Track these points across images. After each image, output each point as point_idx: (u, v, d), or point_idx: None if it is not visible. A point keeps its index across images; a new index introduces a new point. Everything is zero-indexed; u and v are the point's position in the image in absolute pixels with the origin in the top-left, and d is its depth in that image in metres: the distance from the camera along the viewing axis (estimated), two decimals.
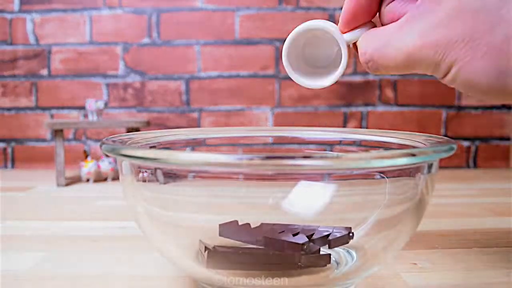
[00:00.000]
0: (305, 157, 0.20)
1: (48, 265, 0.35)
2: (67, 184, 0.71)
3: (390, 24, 0.24)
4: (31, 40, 0.88)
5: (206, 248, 0.27)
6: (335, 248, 0.29)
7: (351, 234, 0.29)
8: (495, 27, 0.20)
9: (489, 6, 0.20)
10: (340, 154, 0.21)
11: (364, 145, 0.37)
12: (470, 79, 0.22)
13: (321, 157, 0.20)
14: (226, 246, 0.28)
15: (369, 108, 0.89)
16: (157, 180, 0.26)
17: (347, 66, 0.28)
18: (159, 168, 0.26)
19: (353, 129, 0.38)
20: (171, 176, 0.26)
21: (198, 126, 0.89)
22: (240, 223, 0.30)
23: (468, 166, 0.90)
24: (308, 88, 0.30)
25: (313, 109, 0.89)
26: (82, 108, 0.88)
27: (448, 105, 0.89)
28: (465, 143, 0.90)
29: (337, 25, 0.27)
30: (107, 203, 0.58)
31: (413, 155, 0.21)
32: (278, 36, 0.87)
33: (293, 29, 0.28)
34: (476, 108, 0.89)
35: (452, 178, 0.77)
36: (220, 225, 0.30)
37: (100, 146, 0.25)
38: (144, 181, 0.26)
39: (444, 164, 0.88)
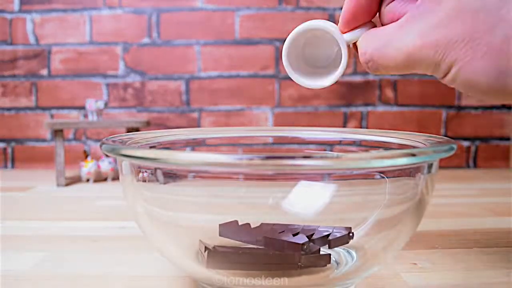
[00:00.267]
0: (305, 157, 0.20)
1: (48, 265, 0.35)
2: (67, 184, 0.71)
3: (390, 24, 0.24)
4: (31, 40, 0.88)
5: (206, 248, 0.27)
6: (335, 248, 0.29)
7: (351, 234, 0.29)
8: (495, 27, 0.20)
9: (489, 6, 0.20)
10: (340, 154, 0.21)
11: (364, 145, 0.37)
12: (470, 79, 0.22)
13: (321, 157, 0.20)
14: (226, 246, 0.28)
15: (369, 108, 0.89)
16: (157, 180, 0.26)
17: (347, 66, 0.28)
18: (159, 168, 0.26)
19: (353, 129, 0.38)
20: (171, 176, 0.26)
21: (198, 126, 0.89)
22: (240, 223, 0.30)
23: (468, 166, 0.90)
24: (308, 88, 0.30)
25: (313, 109, 0.89)
26: (82, 108, 0.88)
27: (448, 105, 0.89)
28: (465, 143, 0.90)
29: (337, 25, 0.27)
30: (107, 203, 0.58)
31: (413, 155, 0.21)
32: (278, 36, 0.87)
33: (293, 29, 0.28)
34: (476, 108, 0.89)
35: (452, 178, 0.77)
36: (220, 225, 0.30)
37: (100, 146, 0.25)
38: (144, 181, 0.26)
39: (444, 164, 0.88)
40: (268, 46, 0.88)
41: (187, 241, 0.29)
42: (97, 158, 0.80)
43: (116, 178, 0.75)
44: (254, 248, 0.29)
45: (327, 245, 0.29)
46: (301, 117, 0.89)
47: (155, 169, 0.26)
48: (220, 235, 0.30)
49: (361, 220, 0.28)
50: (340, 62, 0.27)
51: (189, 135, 0.37)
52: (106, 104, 0.74)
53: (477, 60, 0.21)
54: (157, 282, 0.31)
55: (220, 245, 0.28)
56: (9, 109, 0.89)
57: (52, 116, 0.89)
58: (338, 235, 0.29)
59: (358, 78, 0.88)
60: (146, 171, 0.26)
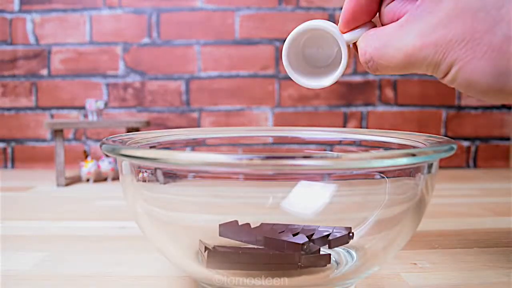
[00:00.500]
0: (305, 157, 0.20)
1: (48, 265, 0.35)
2: (67, 184, 0.71)
3: (390, 24, 0.24)
4: (31, 40, 0.88)
5: (206, 248, 0.27)
6: (335, 248, 0.29)
7: (351, 234, 0.29)
8: (495, 26, 0.20)
9: (489, 6, 0.20)
10: (340, 154, 0.21)
11: (364, 145, 0.37)
12: (470, 79, 0.22)
13: (321, 157, 0.20)
14: (226, 246, 0.28)
15: (369, 108, 0.89)
16: (157, 180, 0.26)
17: (347, 66, 0.28)
18: (159, 168, 0.26)
19: (353, 129, 0.38)
20: (171, 176, 0.26)
21: (198, 126, 0.89)
22: (240, 223, 0.30)
23: (468, 166, 0.90)
24: (308, 88, 0.30)
25: (313, 109, 0.89)
26: (82, 108, 0.88)
27: (448, 105, 0.89)
28: (465, 143, 0.90)
29: (337, 25, 0.27)
30: (107, 203, 0.58)
31: (413, 155, 0.22)
32: (278, 36, 0.87)
33: (293, 29, 0.28)
34: (476, 108, 0.89)
35: (452, 178, 0.77)
36: (220, 225, 0.30)
37: (100, 146, 0.25)
38: (144, 181, 0.26)
39: (444, 164, 0.89)
40: (268, 46, 0.88)
41: (187, 241, 0.29)
42: (97, 158, 0.80)
43: (116, 178, 0.75)
44: (254, 248, 0.29)
45: (327, 245, 0.29)
46: (301, 117, 0.89)
47: (155, 169, 0.26)
48: (220, 235, 0.30)
49: (361, 220, 0.28)
50: (340, 62, 0.27)
51: (189, 135, 0.37)
52: (106, 104, 0.74)
53: (477, 60, 0.21)
54: (157, 282, 0.31)
55: (220, 245, 0.28)
56: (9, 109, 0.89)
57: (52, 116, 0.89)
58: (338, 235, 0.29)
59: (358, 78, 0.88)
60: (146, 171, 0.26)
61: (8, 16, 0.87)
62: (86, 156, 0.74)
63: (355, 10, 0.26)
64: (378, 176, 0.25)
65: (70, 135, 0.90)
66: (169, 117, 0.89)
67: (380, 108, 0.89)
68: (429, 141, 0.28)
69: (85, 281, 0.31)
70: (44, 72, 0.88)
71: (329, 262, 0.28)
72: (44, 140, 0.90)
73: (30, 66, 0.88)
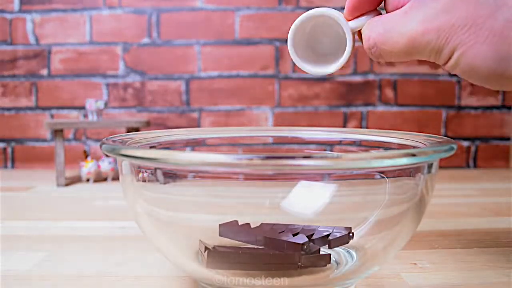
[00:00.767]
0: (305, 157, 0.20)
1: (48, 265, 0.35)
2: (67, 184, 0.71)
3: (395, 11, 0.25)
4: (31, 40, 0.88)
5: (206, 248, 0.27)
6: (335, 248, 0.29)
7: (351, 234, 0.29)
8: (497, 11, 0.20)
9: None
10: (340, 154, 0.21)
11: (364, 145, 0.37)
12: (472, 64, 0.22)
13: (321, 157, 0.20)
14: (226, 246, 0.28)
15: (369, 108, 0.89)
16: (157, 180, 0.26)
17: (351, 56, 0.28)
18: (159, 168, 0.26)
19: (353, 129, 0.38)
20: (171, 176, 0.26)
21: (198, 126, 0.89)
22: (240, 223, 0.30)
23: (468, 166, 0.90)
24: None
25: (313, 109, 0.89)
26: (82, 108, 0.88)
27: (448, 105, 0.89)
28: (465, 143, 0.90)
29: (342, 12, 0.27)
30: (107, 203, 0.58)
31: (413, 155, 0.22)
32: (278, 36, 0.87)
33: None
34: (476, 108, 0.89)
35: (452, 178, 0.77)
36: (220, 225, 0.30)
37: (100, 146, 0.25)
38: (144, 181, 0.26)
39: (444, 164, 0.88)
40: (268, 46, 0.88)
41: (187, 241, 0.29)
42: (97, 158, 0.80)
43: (116, 178, 0.75)
44: (254, 248, 0.29)
45: (327, 245, 0.29)
46: (301, 117, 0.89)
47: (155, 169, 0.26)
48: (220, 235, 0.30)
49: (361, 220, 0.28)
50: (345, 49, 0.28)
51: (189, 135, 0.37)
52: (106, 104, 0.74)
53: (479, 45, 0.21)
54: (157, 282, 0.31)
55: (220, 245, 0.28)
56: (9, 109, 0.89)
57: (52, 116, 0.89)
58: (338, 235, 0.29)
59: (358, 78, 0.88)
60: (146, 171, 0.26)
61: (8, 16, 0.87)
62: (86, 156, 0.74)
63: None
64: (378, 176, 0.25)
65: (70, 135, 0.90)
66: (169, 117, 0.89)
67: (380, 108, 0.89)
68: (429, 141, 0.28)
69: (85, 281, 0.31)
70: (44, 72, 0.88)
71: (329, 262, 0.28)
72: (44, 140, 0.90)
73: (30, 66, 0.88)
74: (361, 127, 0.89)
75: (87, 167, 0.72)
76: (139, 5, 0.87)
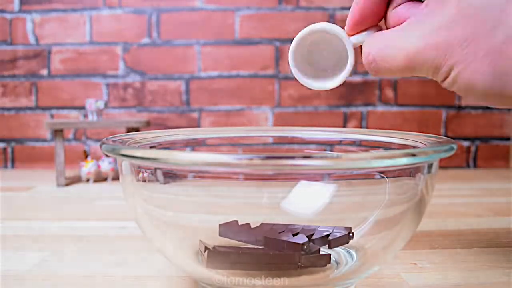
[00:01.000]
0: (305, 157, 0.20)
1: (48, 265, 0.35)
2: (67, 184, 0.71)
3: (395, 27, 0.25)
4: (31, 40, 0.88)
5: (206, 248, 0.27)
6: (335, 248, 0.29)
7: (351, 234, 0.29)
8: (496, 29, 0.20)
9: (490, 9, 0.20)
10: (340, 154, 0.21)
11: (364, 145, 0.37)
12: (470, 82, 0.22)
13: (321, 157, 0.20)
14: (226, 246, 0.28)
15: (369, 108, 0.89)
16: (157, 180, 0.26)
17: (353, 68, 0.28)
18: (159, 168, 0.26)
19: (353, 129, 0.38)
20: (171, 176, 0.26)
21: (198, 126, 0.89)
22: (240, 223, 0.30)
23: (468, 166, 0.90)
24: (312, 89, 0.30)
25: (313, 109, 0.89)
26: (82, 108, 0.88)
27: (448, 105, 0.89)
28: (465, 143, 0.90)
29: (342, 28, 0.27)
30: (107, 203, 0.58)
31: (413, 155, 0.22)
32: (278, 36, 0.87)
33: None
34: (476, 108, 0.89)
35: (452, 178, 0.77)
36: (220, 225, 0.30)
37: (100, 146, 0.25)
38: (144, 181, 0.26)
39: (444, 164, 0.89)
40: (268, 46, 0.88)
41: (187, 241, 0.29)
42: (97, 158, 0.80)
43: (116, 178, 0.75)
44: (254, 248, 0.29)
45: (327, 245, 0.29)
46: (301, 117, 0.89)
47: (155, 169, 0.26)
48: (220, 235, 0.30)
49: (361, 220, 0.28)
50: (346, 64, 0.28)
51: (189, 135, 0.37)
52: (106, 104, 0.74)
53: (477, 63, 0.21)
54: (157, 282, 0.31)
55: (220, 245, 0.28)
56: (9, 109, 0.89)
57: (52, 116, 0.89)
58: (338, 235, 0.29)
59: (358, 78, 0.88)
60: (146, 171, 0.26)
61: (8, 16, 0.87)
62: (86, 156, 0.74)
63: (362, 13, 0.26)
64: (378, 176, 0.25)
65: (70, 135, 0.90)
66: (169, 117, 0.89)
67: (380, 108, 0.89)
68: (429, 141, 0.28)
69: (85, 281, 0.31)
70: (44, 72, 0.88)
71: (329, 262, 0.28)
72: (44, 140, 0.90)
73: (30, 66, 0.88)
74: (361, 127, 0.89)
75: (87, 167, 0.72)
76: (139, 5, 0.87)
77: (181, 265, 0.28)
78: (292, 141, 0.40)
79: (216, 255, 0.27)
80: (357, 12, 0.26)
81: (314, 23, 0.28)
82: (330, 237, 0.29)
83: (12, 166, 0.90)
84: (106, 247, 0.39)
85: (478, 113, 0.89)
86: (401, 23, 0.24)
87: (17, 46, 0.88)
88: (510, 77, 0.20)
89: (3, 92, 0.89)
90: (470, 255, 0.36)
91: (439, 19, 0.22)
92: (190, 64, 0.88)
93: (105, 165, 0.74)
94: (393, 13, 0.25)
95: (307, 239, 0.27)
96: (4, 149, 0.90)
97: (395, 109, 0.89)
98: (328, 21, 0.86)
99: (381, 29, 0.27)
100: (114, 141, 0.27)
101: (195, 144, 0.38)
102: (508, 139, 0.90)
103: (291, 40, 0.29)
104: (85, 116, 0.88)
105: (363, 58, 0.26)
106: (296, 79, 0.30)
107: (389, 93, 0.89)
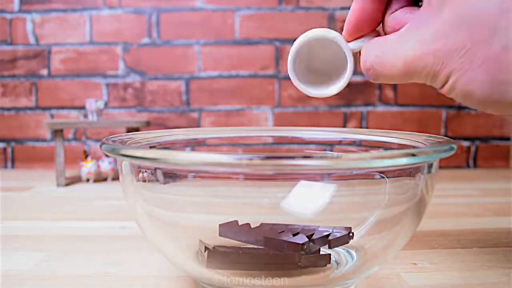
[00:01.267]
0: (305, 157, 0.20)
1: (48, 265, 0.35)
2: (67, 184, 0.71)
3: (392, 33, 0.24)
4: (31, 40, 0.88)
5: (206, 248, 0.27)
6: (335, 248, 0.29)
7: (351, 234, 0.29)
8: (493, 37, 0.20)
9: (488, 16, 0.20)
10: (340, 154, 0.21)
11: (364, 145, 0.37)
12: (468, 89, 0.22)
13: (321, 157, 0.20)
14: (226, 246, 0.28)
15: (369, 108, 0.89)
16: (157, 180, 0.26)
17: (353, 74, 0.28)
18: (159, 168, 0.26)
19: (353, 129, 0.38)
20: (171, 176, 0.26)
21: (198, 126, 0.89)
22: (240, 223, 0.30)
23: (468, 166, 0.90)
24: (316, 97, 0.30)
25: (313, 109, 0.89)
26: (82, 108, 0.88)
27: (448, 105, 0.89)
28: (465, 143, 0.90)
29: (341, 33, 0.27)
30: (107, 203, 0.58)
31: (413, 155, 0.21)
32: (278, 36, 0.87)
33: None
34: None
35: (452, 178, 0.77)
36: (220, 225, 0.30)
37: (100, 146, 0.25)
38: (144, 181, 0.26)
39: (444, 164, 0.88)
40: (268, 46, 0.88)
41: (187, 241, 0.29)
42: (97, 158, 0.80)
43: (116, 178, 0.75)
44: (254, 248, 0.29)
45: (327, 245, 0.29)
46: (301, 117, 0.89)
47: (155, 169, 0.26)
48: (220, 235, 0.30)
49: (361, 220, 0.28)
50: (345, 70, 0.28)
51: (189, 135, 0.37)
52: (106, 104, 0.74)
53: (474, 71, 0.21)
54: (157, 282, 0.31)
55: (220, 245, 0.28)
56: (9, 109, 0.89)
57: (52, 116, 0.89)
58: (338, 235, 0.29)
59: (358, 78, 0.88)
60: (146, 171, 0.26)
61: (8, 16, 0.87)
62: (86, 156, 0.74)
63: (360, 20, 0.26)
64: (378, 176, 0.25)
65: (70, 135, 0.90)
66: (169, 117, 0.89)
67: (380, 108, 0.89)
68: (429, 141, 0.28)
69: (85, 281, 0.31)
70: (44, 72, 0.88)
71: (329, 262, 0.28)
72: (44, 140, 0.90)
73: (30, 66, 0.88)
74: (361, 127, 0.89)
75: (87, 167, 0.72)
76: (139, 5, 0.87)
77: (181, 265, 0.28)
78: (292, 141, 0.40)
79: (216, 255, 0.27)
80: (354, 18, 0.26)
81: (314, 24, 0.28)
82: (330, 237, 0.29)
83: (12, 166, 0.90)
84: (106, 247, 0.39)
85: (478, 113, 0.89)
86: (399, 29, 0.24)
87: (17, 46, 0.88)
88: (508, 85, 0.20)
89: (3, 92, 0.89)
90: (470, 255, 0.36)
91: (437, 26, 0.22)
92: (190, 64, 0.88)
93: (105, 165, 0.74)
94: (391, 19, 0.25)
95: (307, 239, 0.27)
96: (4, 149, 0.90)
97: (395, 109, 0.89)
98: (328, 21, 0.86)
99: (379, 35, 0.27)
100: (114, 141, 0.27)
101: (195, 144, 0.38)
102: (508, 139, 0.90)
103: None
104: (85, 116, 0.88)
105: (361, 64, 0.26)
106: None
107: (389, 93, 0.89)
